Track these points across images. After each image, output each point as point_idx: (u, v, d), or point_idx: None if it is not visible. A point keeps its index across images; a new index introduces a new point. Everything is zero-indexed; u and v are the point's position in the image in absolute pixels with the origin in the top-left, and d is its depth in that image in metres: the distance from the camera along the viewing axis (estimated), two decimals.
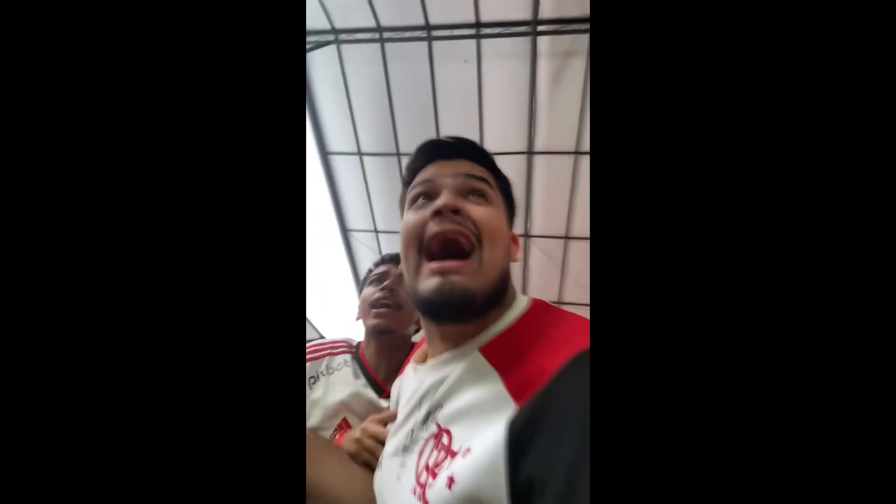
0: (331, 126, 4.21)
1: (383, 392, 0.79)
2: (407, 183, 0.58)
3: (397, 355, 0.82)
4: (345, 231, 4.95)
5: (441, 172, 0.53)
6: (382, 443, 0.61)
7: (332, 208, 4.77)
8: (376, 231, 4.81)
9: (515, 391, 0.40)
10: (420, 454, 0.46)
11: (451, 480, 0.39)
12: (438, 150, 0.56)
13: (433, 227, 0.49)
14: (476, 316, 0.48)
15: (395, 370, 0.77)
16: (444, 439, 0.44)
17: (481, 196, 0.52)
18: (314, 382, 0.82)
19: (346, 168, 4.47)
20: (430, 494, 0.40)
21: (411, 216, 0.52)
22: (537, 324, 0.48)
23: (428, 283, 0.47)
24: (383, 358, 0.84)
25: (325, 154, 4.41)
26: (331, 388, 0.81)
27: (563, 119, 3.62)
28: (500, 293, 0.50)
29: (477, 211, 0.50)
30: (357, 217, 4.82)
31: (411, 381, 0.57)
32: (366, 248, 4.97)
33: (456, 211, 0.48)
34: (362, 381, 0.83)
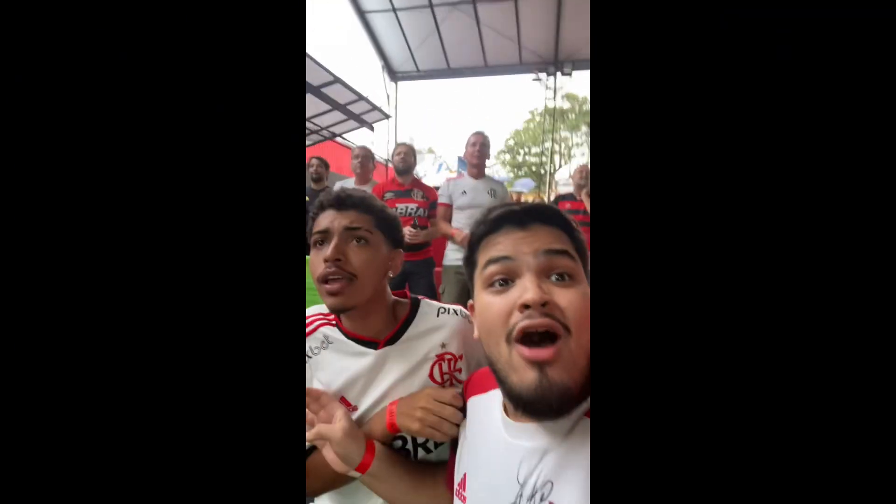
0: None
1: (377, 345, 0.72)
2: (474, 246, 0.54)
3: (378, 310, 0.74)
4: None
5: (520, 250, 0.49)
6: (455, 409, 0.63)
7: None
8: None
9: None
10: None
11: None
12: (513, 219, 0.52)
13: (521, 321, 0.46)
14: (575, 407, 0.47)
15: (385, 322, 0.74)
16: None
17: (565, 277, 0.49)
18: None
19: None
20: None
21: (494, 302, 0.49)
22: None
23: (524, 375, 0.45)
24: (366, 322, 0.74)
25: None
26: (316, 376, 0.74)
27: None
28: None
29: (564, 298, 0.47)
30: None
31: (499, 436, 0.53)
32: None
33: (545, 303, 0.46)
34: (351, 351, 0.74)
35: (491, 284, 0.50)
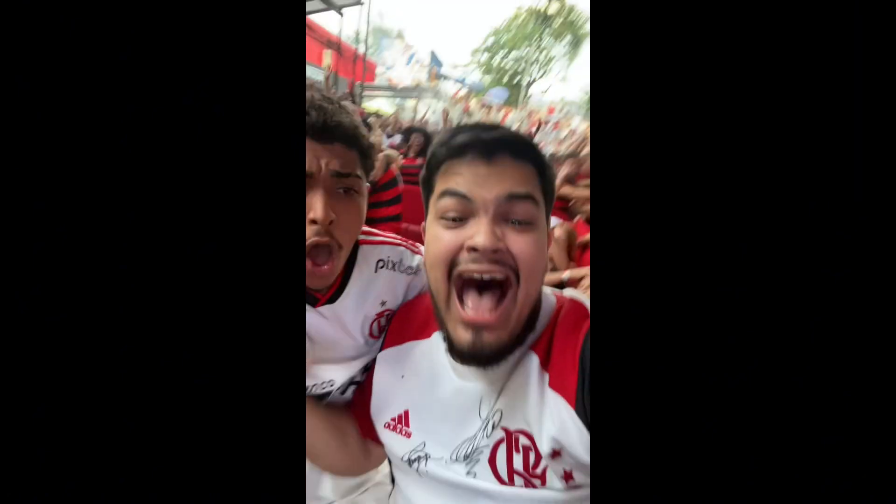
0: None
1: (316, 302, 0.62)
2: (433, 168, 0.50)
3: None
4: None
5: (480, 192, 0.45)
6: None
7: None
8: None
9: (555, 382, 0.47)
10: (492, 461, 0.49)
11: (567, 475, 0.45)
12: (479, 147, 0.47)
13: (468, 263, 0.45)
14: (510, 354, 0.49)
15: None
16: (524, 441, 0.48)
17: (525, 222, 0.46)
18: None
19: None
20: (547, 495, 0.46)
21: (444, 236, 0.47)
22: (561, 315, 0.52)
23: (460, 334, 0.46)
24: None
25: None
26: None
27: None
28: (533, 318, 0.51)
29: (518, 243, 0.45)
30: None
31: (450, 381, 0.54)
32: None
33: (496, 250, 0.44)
34: None
35: (443, 216, 0.47)
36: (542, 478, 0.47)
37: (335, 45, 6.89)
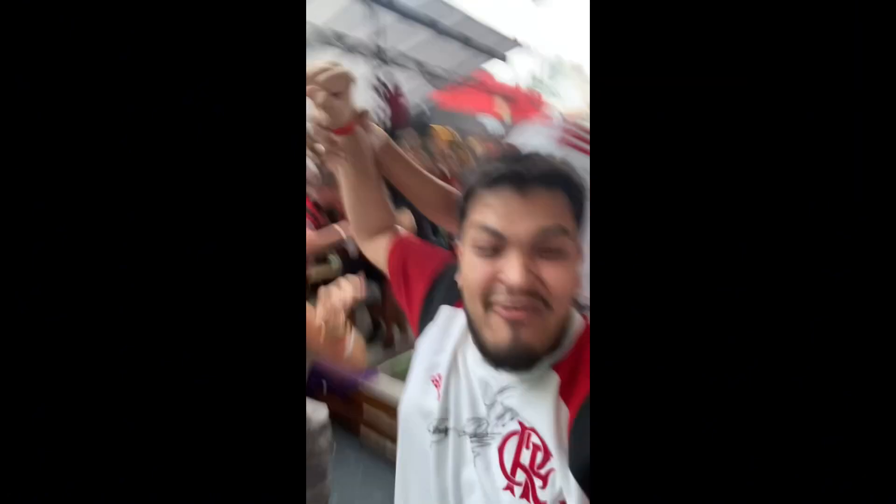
0: None
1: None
2: (466, 195, 0.52)
3: None
4: None
5: (514, 228, 0.47)
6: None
7: None
8: None
9: (566, 397, 0.49)
10: (501, 450, 0.50)
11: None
12: (513, 179, 0.48)
13: (501, 298, 0.47)
14: (540, 363, 0.50)
15: None
16: (535, 439, 0.49)
17: (558, 254, 0.47)
18: None
19: None
20: (546, 496, 0.46)
21: (478, 265, 0.48)
22: (584, 339, 0.53)
23: (500, 334, 0.48)
24: None
25: None
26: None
27: None
28: (560, 335, 0.52)
29: (551, 274, 0.47)
30: None
31: (476, 370, 0.55)
32: None
33: (528, 288, 0.46)
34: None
35: (477, 245, 0.49)
36: (545, 480, 0.48)
37: (507, 92, 6.87)
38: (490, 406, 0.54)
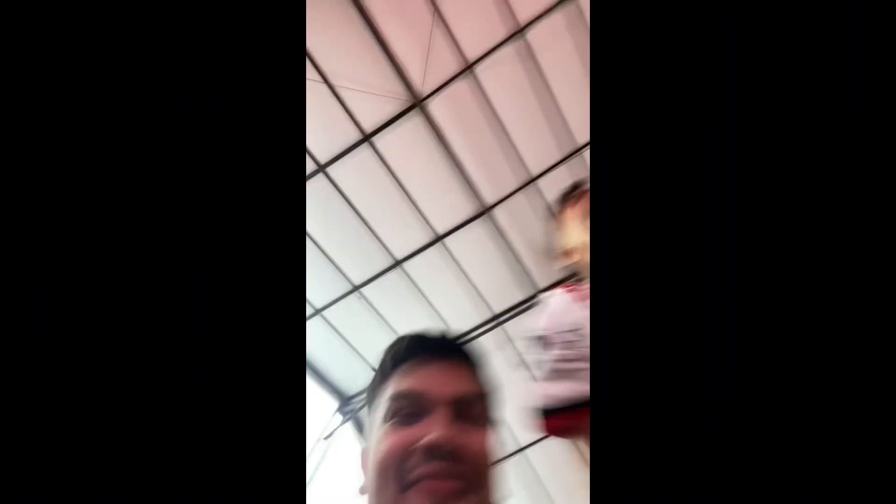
0: None
1: None
2: (384, 374, 0.47)
3: None
4: None
5: (434, 388, 0.44)
6: None
7: None
8: None
9: None
10: None
11: None
12: (428, 347, 0.46)
13: (420, 468, 0.40)
14: None
15: None
16: None
17: (478, 422, 0.44)
18: None
19: None
20: None
21: (391, 437, 0.42)
22: None
23: None
24: None
25: None
26: None
27: None
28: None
29: (474, 443, 0.42)
30: None
31: None
32: None
33: (452, 450, 0.40)
34: None
35: (393, 416, 0.43)
36: None
37: None
38: None
